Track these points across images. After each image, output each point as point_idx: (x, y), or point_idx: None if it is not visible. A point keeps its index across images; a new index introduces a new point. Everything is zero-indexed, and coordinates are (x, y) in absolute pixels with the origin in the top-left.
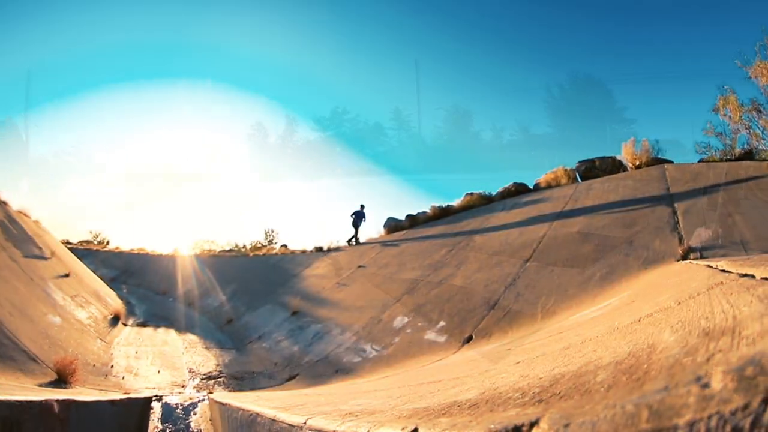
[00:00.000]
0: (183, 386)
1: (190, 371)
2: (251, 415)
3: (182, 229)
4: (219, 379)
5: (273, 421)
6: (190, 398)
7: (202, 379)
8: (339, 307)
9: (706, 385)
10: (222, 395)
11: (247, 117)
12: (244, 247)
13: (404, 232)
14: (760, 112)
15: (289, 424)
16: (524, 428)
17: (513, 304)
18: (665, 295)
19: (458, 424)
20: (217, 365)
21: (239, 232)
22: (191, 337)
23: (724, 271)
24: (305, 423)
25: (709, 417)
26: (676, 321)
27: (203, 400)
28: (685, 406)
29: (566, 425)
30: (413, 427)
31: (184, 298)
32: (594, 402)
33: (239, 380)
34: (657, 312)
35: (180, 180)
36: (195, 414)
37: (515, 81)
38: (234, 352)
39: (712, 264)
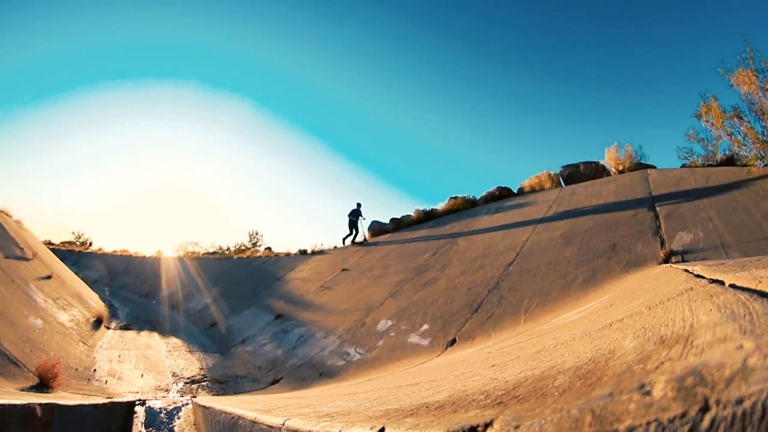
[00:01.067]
0: (167, 390)
1: (173, 375)
2: (233, 417)
3: (166, 231)
4: (203, 383)
5: (254, 423)
6: (174, 402)
7: (185, 383)
8: (323, 311)
9: (647, 393)
10: (205, 399)
11: (232, 118)
12: (228, 249)
13: (388, 235)
14: (741, 119)
15: (269, 426)
16: (479, 428)
17: (496, 308)
18: (640, 300)
19: (421, 423)
20: (201, 369)
21: (224, 234)
22: (175, 341)
23: (698, 276)
24: (284, 424)
25: (648, 423)
26: (639, 327)
27: (187, 404)
28: (626, 412)
29: (516, 427)
30: (381, 427)
31: (167, 301)
32: (545, 405)
33: (223, 384)
34: (627, 317)
35: (164, 180)
36: (179, 418)
37: (502, 84)
38: (218, 355)
39: (689, 268)
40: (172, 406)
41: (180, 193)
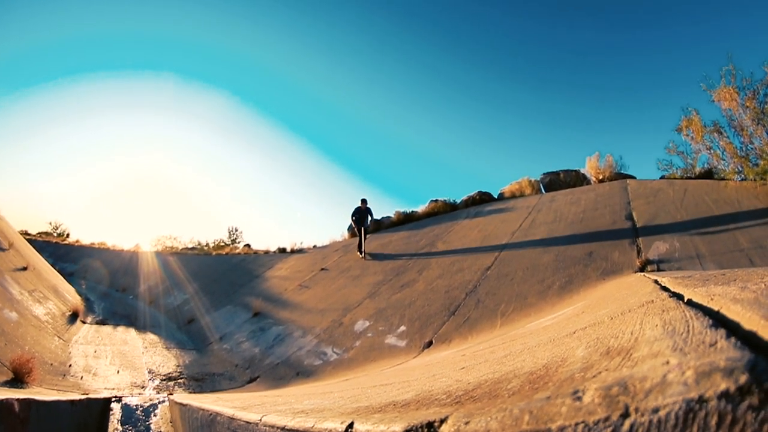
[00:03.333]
0: (143, 387)
1: (150, 372)
2: (211, 414)
3: (145, 224)
4: (179, 381)
5: (231, 419)
6: (150, 399)
7: (162, 380)
8: (301, 310)
9: (579, 399)
10: (182, 396)
11: (214, 113)
12: (207, 245)
13: (368, 236)
14: (721, 134)
15: (246, 422)
16: (435, 424)
17: (473, 311)
18: (607, 309)
19: (386, 419)
20: (178, 366)
21: (203, 229)
22: (151, 337)
23: (663, 288)
24: (261, 420)
25: (576, 425)
26: (594, 337)
27: (163, 401)
28: (559, 414)
29: (466, 423)
30: (350, 422)
31: (145, 296)
32: (494, 405)
33: (200, 382)
34: (590, 326)
35: (143, 174)
36: (155, 416)
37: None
38: (194, 352)
39: (659, 279)
40: (148, 403)
41: (159, 187)
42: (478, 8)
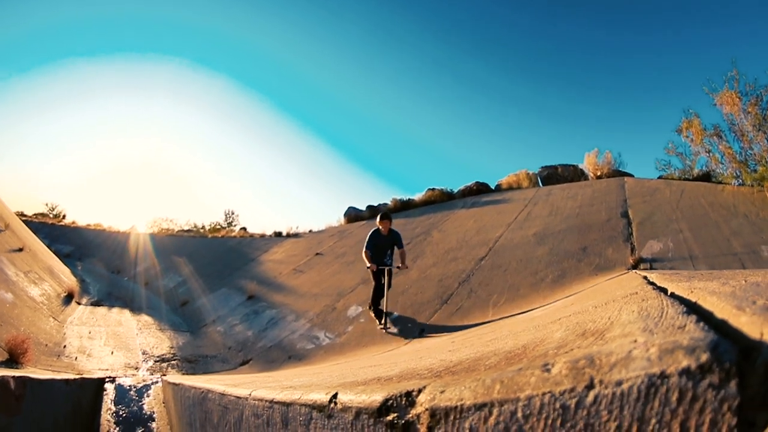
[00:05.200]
0: (136, 368)
1: (143, 353)
2: (202, 392)
3: (141, 206)
4: (173, 362)
5: (222, 395)
6: (144, 380)
7: (155, 361)
8: (295, 294)
9: (547, 370)
10: (175, 377)
11: (214, 98)
12: (203, 228)
13: (364, 222)
14: (721, 138)
15: (236, 396)
16: (414, 393)
17: (466, 300)
18: (593, 300)
19: (368, 390)
20: (171, 348)
21: (200, 212)
22: (146, 318)
23: (650, 283)
24: (250, 394)
25: (543, 394)
26: (575, 322)
27: (157, 382)
28: (527, 384)
29: (442, 391)
30: (334, 392)
31: (139, 278)
32: (470, 377)
33: (193, 363)
34: (574, 314)
35: (142, 156)
36: (148, 396)
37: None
38: (188, 334)
39: (648, 276)
40: (141, 384)
41: (157, 169)
42: (487, 1)
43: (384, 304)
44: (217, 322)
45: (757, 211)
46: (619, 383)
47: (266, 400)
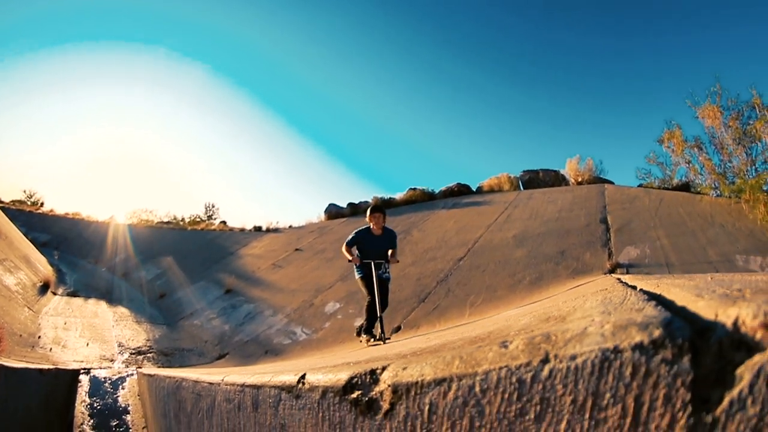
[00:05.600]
0: (112, 360)
1: (119, 345)
2: (177, 381)
3: (120, 196)
4: (148, 355)
5: (196, 382)
6: (119, 373)
7: (131, 353)
8: (273, 289)
9: (505, 346)
10: (151, 370)
11: (198, 90)
12: (183, 220)
13: (344, 219)
14: (701, 149)
15: (209, 383)
16: (378, 371)
17: (443, 300)
18: (566, 297)
19: (335, 370)
20: (148, 340)
21: (180, 204)
22: (122, 310)
23: (622, 282)
24: (222, 380)
25: (500, 368)
26: (542, 311)
27: (132, 374)
28: (485, 359)
29: (404, 368)
30: (303, 374)
31: (117, 269)
32: (432, 356)
33: (169, 357)
34: (544, 307)
35: (122, 146)
36: (123, 388)
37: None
38: (165, 327)
39: (621, 277)
40: (116, 376)
41: (138, 159)
42: (473, 2)
43: (378, 326)
44: (195, 315)
45: (734, 221)
46: (573, 357)
47: (238, 384)
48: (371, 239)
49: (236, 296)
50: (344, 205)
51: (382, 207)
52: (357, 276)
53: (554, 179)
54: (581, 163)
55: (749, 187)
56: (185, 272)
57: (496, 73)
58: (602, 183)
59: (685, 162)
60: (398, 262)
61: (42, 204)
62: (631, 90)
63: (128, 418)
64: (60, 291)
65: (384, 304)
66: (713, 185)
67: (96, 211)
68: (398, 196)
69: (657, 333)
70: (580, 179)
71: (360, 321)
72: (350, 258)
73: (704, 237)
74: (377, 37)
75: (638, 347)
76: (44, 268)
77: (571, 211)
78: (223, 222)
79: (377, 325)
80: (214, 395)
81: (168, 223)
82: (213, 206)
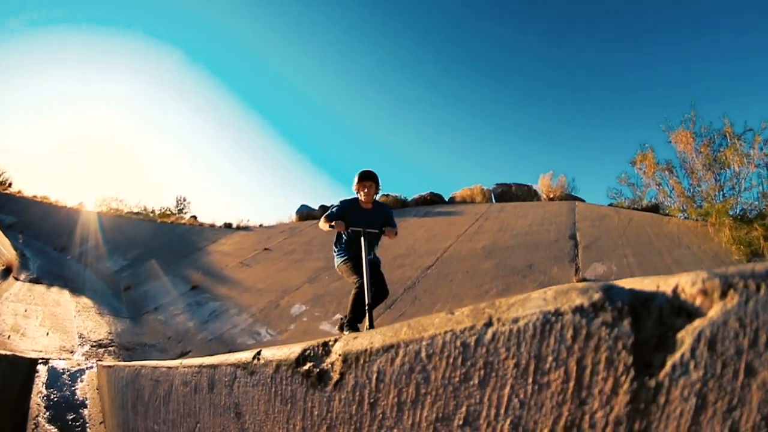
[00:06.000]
0: (72, 352)
1: (80, 336)
2: (136, 369)
3: (91, 183)
4: (110, 348)
5: (155, 368)
6: (78, 364)
7: (92, 346)
8: (239, 287)
9: (452, 313)
10: (111, 362)
11: (174, 81)
12: (153, 212)
13: (315, 221)
14: (672, 173)
15: (168, 367)
16: (330, 342)
17: (409, 307)
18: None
19: (291, 346)
20: (110, 333)
21: (151, 195)
22: (85, 301)
23: None
24: (181, 363)
25: (445, 333)
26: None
27: (91, 367)
28: (432, 324)
29: (355, 338)
30: (258, 350)
31: (83, 257)
32: (384, 327)
33: (130, 351)
34: None
35: (95, 132)
36: (82, 381)
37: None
38: (128, 321)
39: None
40: (76, 368)
41: (111, 146)
42: (456, 13)
43: (365, 323)
44: (159, 310)
45: (700, 243)
46: (516, 320)
47: (195, 366)
48: (360, 214)
49: (202, 293)
50: (316, 206)
51: (375, 174)
52: (339, 260)
53: (527, 194)
54: (554, 179)
55: (716, 211)
56: (152, 265)
57: (478, 84)
58: (573, 200)
59: (656, 184)
60: (396, 234)
61: (10, 184)
62: (609, 111)
63: (85, 411)
64: (22, 277)
65: (382, 293)
66: (681, 208)
67: (65, 196)
68: None
69: (597, 296)
70: (552, 195)
71: (325, 323)
72: (331, 225)
73: (670, 257)
74: (360, 40)
75: (578, 310)
76: (8, 251)
77: (542, 226)
78: (194, 217)
79: (365, 320)
80: (171, 379)
81: (138, 213)
82: (184, 200)
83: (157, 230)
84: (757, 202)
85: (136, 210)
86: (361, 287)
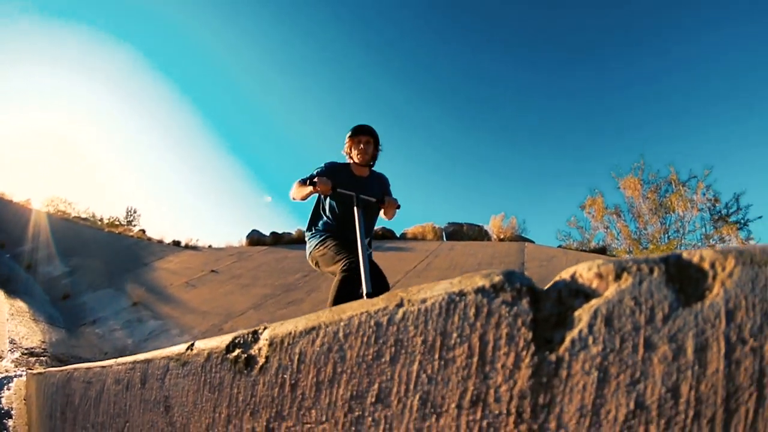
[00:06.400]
0: (0, 357)
1: (11, 342)
2: (68, 373)
3: (41, 180)
4: (42, 358)
5: (87, 369)
6: (6, 371)
7: (23, 353)
8: (183, 308)
9: (369, 297)
10: (41, 369)
11: (132, 86)
12: (102, 220)
13: (266, 248)
14: (619, 216)
15: (102, 366)
16: (260, 330)
17: None
18: None
19: (224, 337)
20: (43, 342)
21: (101, 201)
22: (20, 305)
23: None
24: (115, 362)
25: (361, 313)
26: None
27: (20, 375)
28: (350, 307)
29: (281, 324)
30: (191, 343)
31: (23, 258)
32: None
33: (63, 363)
34: None
35: (48, 130)
36: (9, 389)
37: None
38: (64, 331)
39: None
40: (2, 376)
41: (63, 146)
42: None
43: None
44: (98, 323)
45: None
46: (424, 301)
47: (129, 362)
48: (351, 182)
49: (144, 310)
50: (267, 233)
51: (374, 130)
52: (315, 242)
53: (478, 234)
54: (505, 220)
55: (660, 253)
56: (95, 276)
57: (438, 120)
58: (523, 241)
59: (604, 227)
60: (399, 207)
61: None
62: (561, 157)
63: (10, 423)
64: None
65: (384, 285)
66: (628, 250)
67: (10, 189)
68: None
69: (497, 279)
70: (502, 236)
71: None
72: (312, 182)
73: None
74: (329, 63)
75: (480, 290)
76: None
77: (490, 265)
78: (143, 230)
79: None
80: (104, 379)
81: (86, 219)
82: (135, 212)
83: (104, 240)
84: (700, 244)
85: (84, 216)
86: (350, 270)
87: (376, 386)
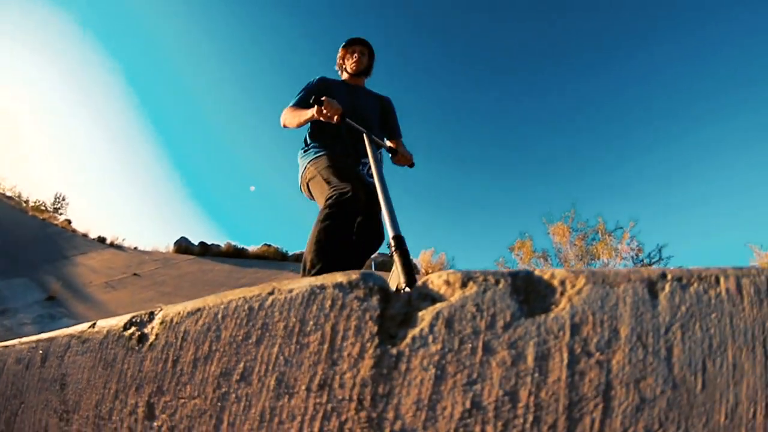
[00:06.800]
0: None
1: None
2: None
3: None
4: None
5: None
6: None
7: None
8: (100, 309)
9: (250, 288)
10: None
11: (80, 70)
12: (27, 201)
13: (192, 257)
14: (546, 260)
15: (5, 346)
16: (156, 311)
17: None
18: None
19: (125, 317)
20: None
21: (30, 182)
22: None
23: None
24: (19, 341)
25: (239, 299)
26: None
27: None
28: (233, 293)
29: (174, 306)
30: (95, 322)
31: None
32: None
33: None
34: None
35: None
36: None
37: None
38: None
39: None
40: None
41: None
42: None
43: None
44: (6, 314)
45: None
46: (290, 291)
47: (32, 341)
48: (347, 96)
49: (59, 306)
50: (196, 242)
51: (368, 42)
52: (312, 158)
53: None
54: (435, 255)
55: None
56: (9, 261)
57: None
58: None
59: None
60: (413, 165)
61: None
62: (494, 199)
63: None
64: None
65: (377, 235)
66: None
67: None
68: (251, 248)
69: (354, 277)
70: (430, 270)
71: None
72: (319, 102)
73: None
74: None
75: (338, 285)
76: None
77: None
78: (68, 220)
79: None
80: (5, 359)
81: (10, 198)
82: (63, 199)
83: (26, 224)
84: None
85: (9, 194)
86: (338, 205)
87: (241, 365)
